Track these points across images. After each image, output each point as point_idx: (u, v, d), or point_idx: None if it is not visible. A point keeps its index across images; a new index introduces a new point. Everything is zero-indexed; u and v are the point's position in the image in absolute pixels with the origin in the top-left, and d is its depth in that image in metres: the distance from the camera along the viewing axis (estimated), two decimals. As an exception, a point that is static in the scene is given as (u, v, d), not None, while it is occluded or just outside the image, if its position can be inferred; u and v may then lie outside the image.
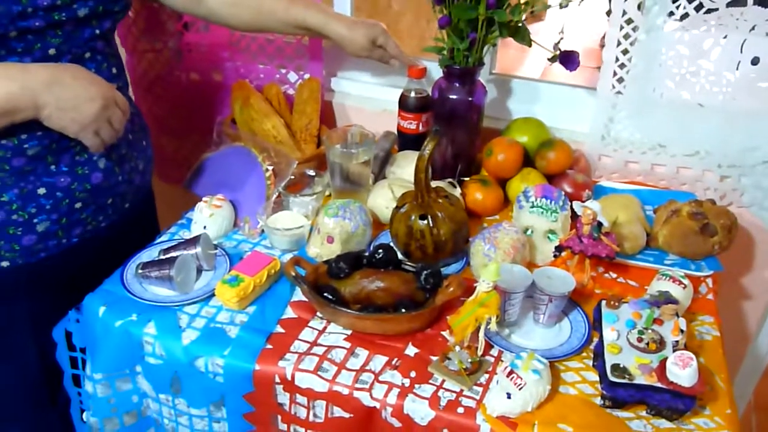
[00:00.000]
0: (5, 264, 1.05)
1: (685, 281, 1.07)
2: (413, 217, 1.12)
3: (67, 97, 0.94)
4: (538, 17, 4.88)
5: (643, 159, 1.40)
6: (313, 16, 1.29)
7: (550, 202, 1.19)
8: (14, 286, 1.09)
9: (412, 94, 1.34)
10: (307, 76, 1.54)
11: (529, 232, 1.19)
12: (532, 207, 1.19)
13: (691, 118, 1.33)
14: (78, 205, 1.09)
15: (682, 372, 0.86)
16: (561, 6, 1.18)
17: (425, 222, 1.12)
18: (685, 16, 1.25)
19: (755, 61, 1.25)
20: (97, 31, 1.04)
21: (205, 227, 1.21)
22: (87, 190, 1.09)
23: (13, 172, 1.00)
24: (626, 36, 1.30)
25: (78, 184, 1.07)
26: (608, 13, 1.29)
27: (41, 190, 1.04)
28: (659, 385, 0.88)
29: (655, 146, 1.38)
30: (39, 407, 1.18)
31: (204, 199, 1.24)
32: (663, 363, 0.89)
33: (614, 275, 1.19)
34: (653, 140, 1.38)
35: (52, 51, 0.98)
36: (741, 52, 1.26)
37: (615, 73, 1.34)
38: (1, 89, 0.90)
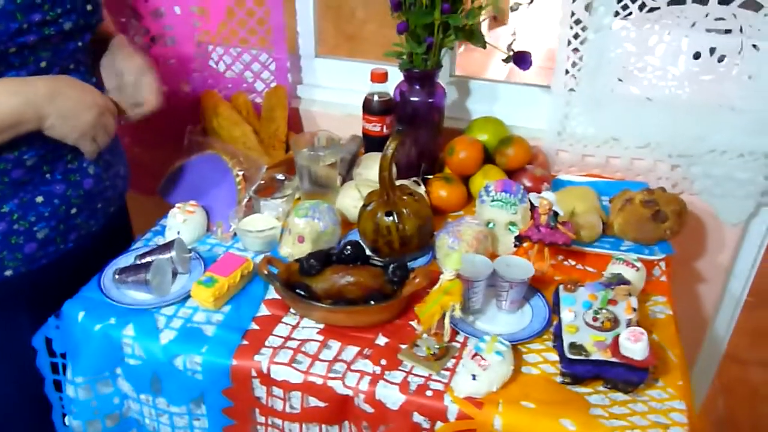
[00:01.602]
0: (9, 273, 1.08)
1: (638, 264, 1.14)
2: (379, 215, 1.17)
3: (66, 106, 1.00)
4: (500, 22, 4.99)
5: (598, 152, 1.47)
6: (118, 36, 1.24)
7: (510, 196, 1.24)
8: (17, 294, 1.12)
9: (376, 98, 1.39)
10: (273, 84, 1.58)
11: (491, 225, 1.25)
12: (493, 201, 1.25)
13: (641, 111, 1.40)
14: (73, 210, 1.13)
15: (634, 346, 0.92)
16: (511, 9, 1.24)
17: (391, 218, 1.17)
18: (629, 15, 1.32)
19: (697, 56, 1.33)
20: (80, 44, 1.09)
21: (179, 232, 1.24)
22: (80, 195, 1.13)
23: (12, 183, 1.04)
24: (576, 36, 1.36)
25: (72, 191, 1.11)
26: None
27: (39, 199, 1.07)
28: (614, 359, 0.94)
29: (609, 140, 1.45)
30: (39, 414, 1.20)
31: (177, 205, 1.28)
32: (616, 339, 0.95)
33: (573, 262, 1.25)
34: (607, 134, 1.45)
35: (43, 64, 1.03)
36: (683, 47, 1.33)
37: (567, 72, 1.40)
38: (7, 105, 0.95)
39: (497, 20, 5.02)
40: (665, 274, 1.22)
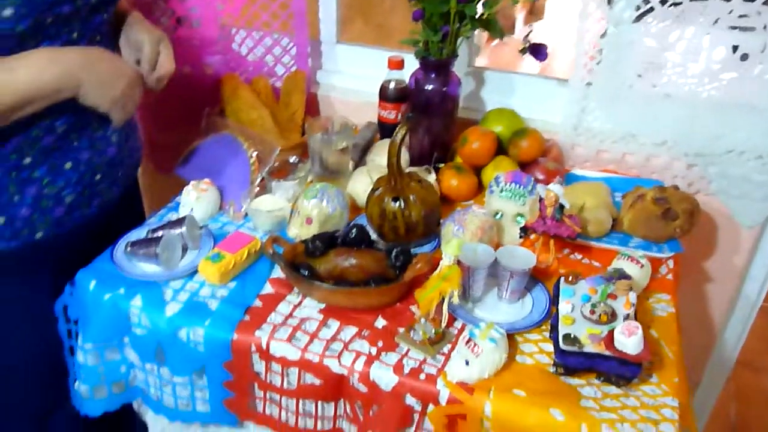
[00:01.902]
0: (39, 235, 1.13)
1: (643, 261, 1.13)
2: (386, 200, 1.19)
3: (101, 75, 1.06)
4: (536, 15, 4.95)
5: (614, 148, 1.46)
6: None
7: (519, 187, 1.24)
8: (44, 258, 1.17)
9: (392, 85, 1.41)
10: (294, 68, 1.60)
11: (498, 216, 1.25)
12: (502, 191, 1.25)
13: (659, 108, 1.39)
14: (97, 177, 1.18)
15: (628, 340, 0.92)
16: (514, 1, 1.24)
17: (397, 204, 1.18)
18: (651, 9, 1.31)
19: (718, 53, 1.31)
20: (105, 16, 1.13)
21: (191, 210, 1.27)
22: (104, 163, 1.19)
23: (43, 150, 1.08)
24: (596, 29, 1.35)
25: (97, 158, 1.17)
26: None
27: (68, 165, 1.12)
28: (607, 353, 0.94)
29: (625, 136, 1.44)
30: (53, 378, 1.25)
31: (191, 183, 1.31)
32: (611, 333, 0.95)
33: (579, 256, 1.24)
34: (623, 130, 1.43)
35: (75, 35, 1.07)
36: (705, 44, 1.31)
37: (586, 65, 1.39)
38: (48, 73, 0.99)
39: (533, 14, 4.99)
40: (672, 272, 1.21)
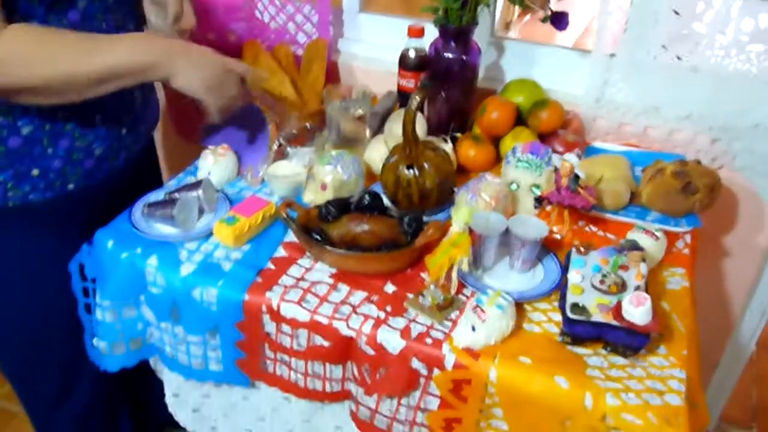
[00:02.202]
0: (71, 187, 1.17)
1: (658, 234, 1.12)
2: (400, 167, 1.19)
3: (193, 59, 1.10)
4: (571, -9, 4.85)
5: (636, 121, 1.43)
6: None
7: (536, 158, 1.23)
8: (75, 209, 1.21)
9: (411, 53, 1.40)
10: (315, 36, 1.60)
11: (514, 186, 1.25)
12: (519, 162, 1.24)
13: (684, 81, 1.36)
14: (124, 131, 1.21)
15: (636, 311, 0.91)
16: (551, -34, 1.22)
17: (411, 172, 1.18)
18: (678, -21, 1.28)
19: (747, 25, 1.27)
20: None
21: (209, 173, 1.29)
22: (130, 118, 1.22)
23: (73, 104, 1.09)
24: (621, -1, 1.33)
25: (123, 113, 1.20)
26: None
27: (97, 118, 1.15)
28: (614, 322, 0.93)
29: (648, 109, 1.41)
30: (75, 331, 1.27)
31: (209, 148, 1.32)
32: (619, 303, 0.94)
33: (594, 229, 1.23)
34: (647, 103, 1.41)
35: None
36: (733, 15, 1.28)
37: (610, 36, 1.37)
38: (143, 50, 1.05)
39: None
40: (689, 247, 1.19)
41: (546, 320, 1.02)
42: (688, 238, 1.21)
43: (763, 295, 1.57)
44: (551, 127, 1.37)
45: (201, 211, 1.22)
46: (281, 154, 1.34)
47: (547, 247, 1.14)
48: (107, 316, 1.17)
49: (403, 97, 1.45)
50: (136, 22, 1.22)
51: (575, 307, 0.96)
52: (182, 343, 1.16)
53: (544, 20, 1.28)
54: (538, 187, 1.23)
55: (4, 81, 0.96)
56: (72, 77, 1.00)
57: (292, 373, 1.10)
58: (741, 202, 1.46)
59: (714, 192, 1.25)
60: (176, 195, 1.21)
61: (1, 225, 1.15)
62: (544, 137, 1.38)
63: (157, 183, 1.42)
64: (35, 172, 1.12)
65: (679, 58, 1.34)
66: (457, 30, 1.30)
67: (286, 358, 1.09)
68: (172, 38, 1.23)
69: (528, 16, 3.87)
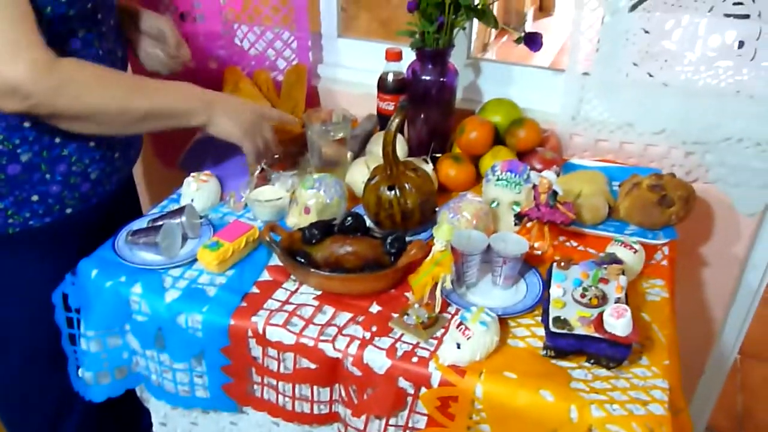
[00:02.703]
0: (69, 210, 1.21)
1: (637, 246, 1.14)
2: (382, 188, 1.20)
3: (231, 107, 1.21)
4: (546, 12, 4.95)
5: (612, 137, 1.46)
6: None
7: (515, 176, 1.25)
8: (74, 231, 1.24)
9: (390, 77, 1.42)
10: (295, 62, 1.62)
11: (494, 204, 1.27)
12: (498, 180, 1.26)
13: (656, 97, 1.39)
14: (116, 154, 1.25)
15: (617, 322, 0.93)
16: (523, -11, 1.25)
17: (393, 192, 1.19)
18: (646, -2, 1.32)
19: (714, 41, 1.31)
20: (115, 1, 1.22)
21: (192, 200, 1.30)
22: (121, 142, 1.26)
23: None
24: (592, 19, 1.36)
25: (115, 137, 1.23)
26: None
27: (92, 144, 1.19)
28: (596, 334, 0.95)
29: (623, 125, 1.44)
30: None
31: (192, 174, 1.33)
32: (600, 315, 0.96)
33: (575, 243, 1.25)
34: (621, 119, 1.44)
35: (99, 16, 1.14)
36: (700, 32, 1.32)
37: (582, 55, 1.40)
38: (186, 96, 1.16)
39: (543, 10, 4.99)
40: (667, 259, 1.22)
41: (530, 335, 1.04)
42: (666, 250, 1.23)
43: (742, 303, 1.60)
44: (529, 145, 1.40)
45: (185, 238, 1.23)
46: (263, 179, 1.35)
47: (529, 262, 1.16)
48: (92, 345, 1.17)
49: (383, 119, 1.47)
50: (123, 48, 1.26)
51: (557, 320, 0.97)
52: (168, 371, 1.15)
53: (518, 41, 1.31)
54: (517, 204, 1.25)
55: (63, 104, 1.02)
56: (124, 110, 1.08)
57: (279, 396, 1.10)
58: (716, 213, 1.49)
59: (689, 204, 1.28)
60: (160, 222, 1.21)
61: (1, 251, 1.16)
62: (523, 155, 1.41)
63: (136, 209, 1.44)
64: (35, 197, 1.14)
65: (650, 75, 1.38)
66: (434, 53, 1.33)
67: (273, 381, 1.09)
68: (173, 69, 1.34)
69: (505, 38, 3.95)
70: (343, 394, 1.05)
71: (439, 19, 1.27)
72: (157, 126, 1.14)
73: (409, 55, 1.40)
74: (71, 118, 1.05)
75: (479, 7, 1.28)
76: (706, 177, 1.43)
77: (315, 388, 1.07)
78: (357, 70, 1.67)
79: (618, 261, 1.06)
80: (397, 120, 1.15)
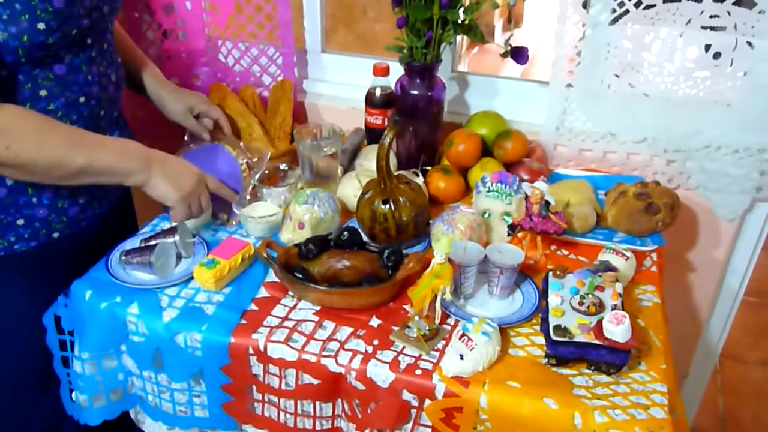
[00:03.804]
0: (56, 235, 1.19)
1: (628, 254, 1.16)
2: (376, 202, 1.21)
3: (172, 169, 1.16)
4: (514, 24, 5.03)
5: (595, 147, 1.49)
6: (149, 77, 1.40)
7: (505, 187, 1.28)
8: (61, 255, 1.21)
9: (378, 91, 1.43)
10: (280, 78, 1.63)
11: (486, 215, 1.28)
12: (489, 191, 1.28)
13: (638, 107, 1.43)
14: None
15: (616, 329, 0.95)
16: (509, 5, 1.28)
17: (387, 206, 1.21)
18: (626, 12, 1.35)
19: (692, 53, 1.36)
20: (109, 25, 1.20)
21: (184, 218, 1.29)
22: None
23: None
24: (573, 32, 1.39)
25: None
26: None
27: None
28: (596, 341, 0.97)
29: (606, 135, 1.48)
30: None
31: (183, 192, 1.32)
32: (599, 322, 0.98)
33: (566, 252, 1.28)
34: (604, 129, 1.47)
35: (89, 41, 1.13)
36: (679, 44, 1.36)
37: (565, 68, 1.43)
38: (131, 160, 1.11)
39: (512, 22, 5.07)
40: (656, 264, 1.25)
41: (529, 344, 1.05)
42: (654, 256, 1.26)
43: (723, 306, 1.65)
44: (516, 156, 1.42)
45: (179, 257, 1.22)
46: (255, 195, 1.35)
47: (523, 272, 1.17)
48: (87, 368, 1.15)
49: (371, 133, 1.48)
50: (118, 70, 1.24)
51: (558, 328, 0.99)
52: (166, 391, 1.14)
53: (504, 55, 1.33)
54: (509, 214, 1.27)
55: None
56: (56, 164, 1.04)
57: (281, 413, 1.10)
58: (697, 218, 1.53)
59: (674, 210, 1.31)
60: (153, 241, 1.20)
61: None
62: (510, 166, 1.43)
63: (131, 226, 1.43)
64: (20, 221, 1.12)
65: (631, 85, 1.42)
66: (422, 67, 1.35)
67: (274, 398, 1.09)
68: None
69: (476, 49, 4.00)
70: (347, 408, 1.05)
71: (427, 35, 1.29)
72: (95, 182, 1.09)
73: (395, 70, 1.42)
74: (1, 165, 1.01)
75: (466, 22, 1.30)
76: (687, 184, 1.47)
77: (317, 403, 1.07)
78: (341, 84, 1.69)
79: (612, 268, 1.08)
80: (390, 135, 1.16)
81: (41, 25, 0.99)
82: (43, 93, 1.07)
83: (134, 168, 1.11)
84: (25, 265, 1.19)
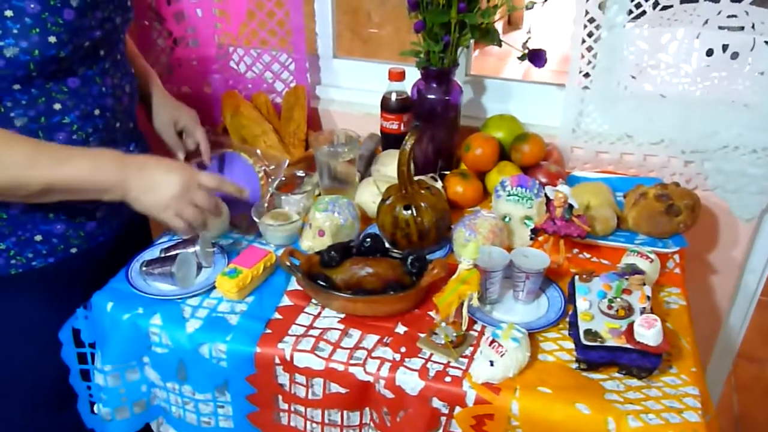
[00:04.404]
0: (74, 250, 1.16)
1: (652, 256, 1.16)
2: (398, 208, 1.20)
3: (149, 179, 1.05)
4: (514, 26, 5.04)
5: (612, 149, 1.49)
6: (147, 84, 1.35)
7: (525, 190, 1.27)
8: (77, 271, 1.19)
9: (393, 96, 1.43)
10: (293, 84, 1.62)
11: (506, 219, 1.28)
12: (509, 195, 1.27)
13: (654, 108, 1.42)
14: None
15: (648, 332, 0.94)
16: (527, 7, 1.27)
17: (409, 212, 1.20)
18: (643, 13, 1.35)
19: (709, 53, 1.35)
20: (121, 35, 1.18)
21: (203, 227, 1.28)
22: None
23: None
24: (590, 34, 1.39)
25: None
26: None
27: None
28: (628, 345, 0.96)
29: (622, 136, 1.47)
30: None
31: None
32: (631, 326, 0.97)
33: (588, 255, 1.27)
34: (621, 131, 1.47)
35: (102, 52, 1.11)
36: (696, 45, 1.35)
37: (581, 70, 1.43)
38: (103, 174, 1.02)
39: (511, 24, 5.08)
40: (679, 266, 1.24)
41: (558, 349, 1.04)
42: (677, 257, 1.26)
43: (741, 306, 1.64)
44: (534, 159, 1.42)
45: (199, 267, 1.21)
46: (272, 203, 1.34)
47: (546, 276, 1.17)
48: (110, 380, 1.14)
49: (387, 138, 1.47)
50: (131, 82, 1.22)
51: (588, 333, 0.99)
52: (189, 402, 1.13)
53: (521, 58, 1.33)
54: (529, 218, 1.27)
55: None
56: (16, 185, 0.98)
57: (307, 423, 1.09)
58: (716, 219, 1.52)
59: (695, 212, 1.30)
60: (173, 251, 1.19)
61: (2, 294, 1.12)
62: (527, 169, 1.43)
63: (146, 237, 1.41)
64: (38, 237, 1.10)
65: (648, 87, 1.41)
66: (439, 71, 1.34)
67: (300, 408, 1.08)
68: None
69: (476, 52, 4.00)
70: (375, 417, 1.04)
71: (445, 39, 1.28)
72: (68, 198, 1.03)
73: (410, 74, 1.42)
74: None
75: (484, 26, 1.29)
76: (705, 184, 1.47)
77: (344, 412, 1.06)
78: (353, 90, 1.68)
79: (640, 271, 1.08)
80: (411, 140, 1.15)
81: (52, 39, 0.98)
82: (57, 107, 1.05)
83: (107, 182, 1.02)
84: (42, 282, 1.16)
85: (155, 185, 1.05)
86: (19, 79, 0.99)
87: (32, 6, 0.95)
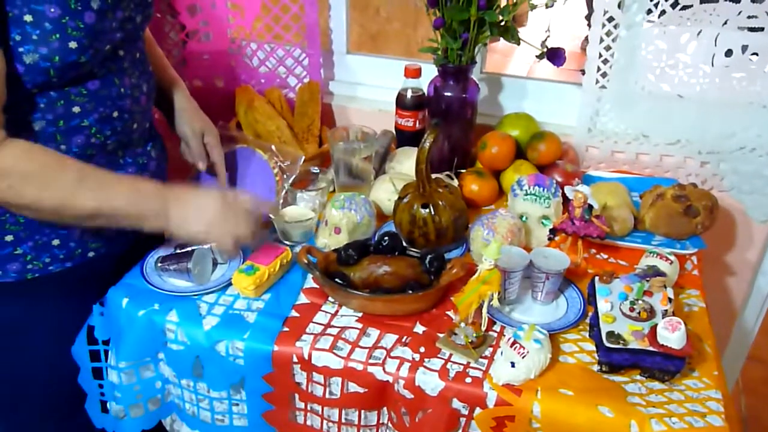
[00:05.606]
0: (91, 254, 1.14)
1: (672, 257, 1.15)
2: (416, 206, 1.19)
3: (191, 204, 1.06)
4: (520, 23, 5.02)
5: (628, 149, 1.48)
6: (178, 90, 1.32)
7: (543, 190, 1.26)
8: (93, 276, 1.16)
9: (409, 93, 1.42)
10: (306, 79, 1.61)
11: (523, 219, 1.27)
12: (526, 195, 1.27)
13: (672, 108, 1.41)
14: None
15: (672, 335, 0.94)
16: (546, 6, 1.26)
17: (427, 210, 1.19)
18: (662, 13, 1.34)
19: (728, 54, 1.34)
20: (141, 33, 1.15)
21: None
22: (155, 176, 1.19)
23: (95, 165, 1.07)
24: (608, 33, 1.38)
25: (141, 173, 1.17)
26: (588, 17, 1.36)
27: None
28: (651, 348, 0.95)
29: (638, 136, 1.46)
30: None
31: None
32: (654, 328, 0.96)
33: (605, 256, 1.26)
34: (637, 130, 1.46)
35: (121, 53, 1.08)
36: (715, 45, 1.34)
37: (599, 69, 1.42)
38: (142, 203, 1.03)
39: (516, 22, 5.07)
40: (697, 268, 1.23)
41: (578, 350, 1.04)
42: (694, 259, 1.25)
43: (753, 308, 1.63)
44: (550, 158, 1.41)
45: (214, 263, 1.20)
46: (286, 200, 1.33)
47: (565, 276, 1.16)
48: (124, 378, 1.13)
49: (402, 135, 1.46)
50: (149, 81, 1.19)
51: (611, 335, 0.98)
52: (204, 399, 1.12)
53: (540, 56, 1.32)
54: (547, 218, 1.26)
55: None
56: (62, 207, 0.99)
57: (324, 422, 1.08)
58: (731, 221, 1.52)
59: (713, 213, 1.30)
60: (189, 247, 1.18)
61: (15, 298, 1.11)
62: (543, 168, 1.42)
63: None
64: (56, 242, 1.08)
65: (666, 87, 1.40)
66: (457, 69, 1.33)
67: (317, 407, 1.07)
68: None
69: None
70: (394, 417, 1.04)
71: (464, 36, 1.27)
72: (111, 224, 1.03)
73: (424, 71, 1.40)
74: (5, 203, 0.98)
75: (503, 23, 1.28)
76: (721, 185, 1.46)
77: (362, 412, 1.06)
78: (366, 86, 1.67)
79: (661, 273, 1.07)
80: (430, 138, 1.14)
81: (73, 44, 0.95)
82: (76, 110, 1.02)
83: (149, 211, 1.03)
84: (58, 287, 1.14)
85: (197, 209, 1.06)
86: (38, 85, 0.97)
87: (52, 10, 0.92)
